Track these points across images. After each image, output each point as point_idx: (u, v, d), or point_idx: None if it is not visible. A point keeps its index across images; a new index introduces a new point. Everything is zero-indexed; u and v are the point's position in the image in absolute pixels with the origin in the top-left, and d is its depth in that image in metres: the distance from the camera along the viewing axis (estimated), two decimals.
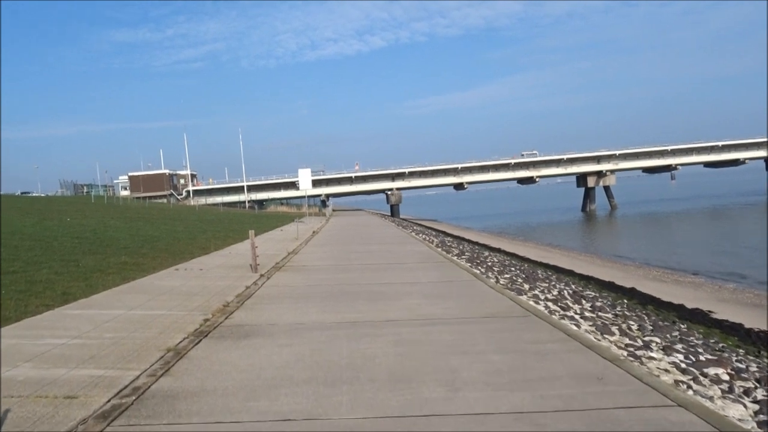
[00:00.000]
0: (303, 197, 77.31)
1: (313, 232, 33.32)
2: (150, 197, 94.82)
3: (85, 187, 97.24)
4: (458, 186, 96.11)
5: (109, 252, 17.41)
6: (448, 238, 36.32)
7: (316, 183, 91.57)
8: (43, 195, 79.84)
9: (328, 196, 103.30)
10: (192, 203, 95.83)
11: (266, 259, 16.84)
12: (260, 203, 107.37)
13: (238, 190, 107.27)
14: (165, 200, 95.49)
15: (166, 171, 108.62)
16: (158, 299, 10.34)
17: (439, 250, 22.13)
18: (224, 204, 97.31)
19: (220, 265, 16.01)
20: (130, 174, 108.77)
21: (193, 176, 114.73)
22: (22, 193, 79.46)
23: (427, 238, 30.75)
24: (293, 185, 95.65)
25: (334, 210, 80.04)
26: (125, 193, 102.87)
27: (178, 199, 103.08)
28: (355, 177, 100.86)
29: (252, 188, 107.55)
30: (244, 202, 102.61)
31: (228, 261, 17.17)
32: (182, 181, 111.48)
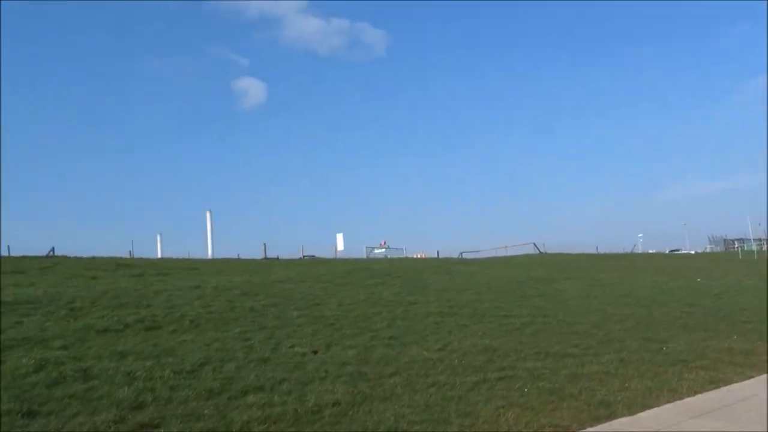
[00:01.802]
0: None
1: None
2: None
3: (735, 242, 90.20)
4: None
5: (718, 328, 13.00)
6: None
7: None
8: (691, 252, 77.75)
9: None
10: None
11: None
12: None
13: None
14: None
15: None
16: None
17: None
18: None
19: None
20: None
21: None
22: (670, 251, 79.41)
23: None
24: None
25: None
26: None
27: None
28: None
29: None
30: None
31: None
32: None
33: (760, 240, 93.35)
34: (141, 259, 27.21)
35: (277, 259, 36.83)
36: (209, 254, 34.29)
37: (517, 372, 8.42)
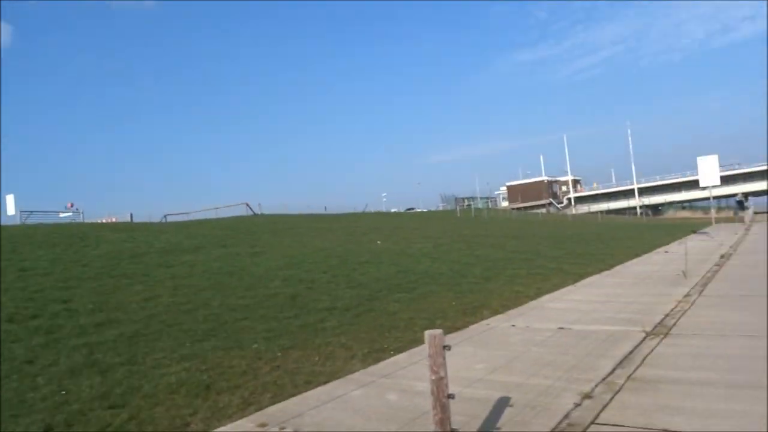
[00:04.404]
0: (709, 198, 59.70)
1: (721, 256, 19.84)
2: (528, 207, 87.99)
3: (465, 201, 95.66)
4: None
5: (248, 330, 8.88)
6: None
7: (728, 179, 71.64)
8: (425, 210, 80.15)
9: (746, 195, 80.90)
10: (573, 212, 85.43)
11: (604, 342, 6.00)
12: (655, 208, 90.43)
13: (627, 194, 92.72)
14: (543, 210, 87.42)
15: (545, 178, 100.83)
16: None
17: None
18: (610, 211, 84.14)
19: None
20: (508, 184, 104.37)
21: (575, 182, 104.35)
22: (406, 210, 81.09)
23: None
24: (697, 184, 77.61)
25: (756, 213, 59.72)
26: (505, 204, 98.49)
27: (558, 208, 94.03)
28: None
29: (644, 191, 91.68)
30: (634, 207, 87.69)
31: (534, 343, 6.81)
32: (563, 188, 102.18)
33: (487, 198, 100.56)
34: None
35: None
36: None
37: None
